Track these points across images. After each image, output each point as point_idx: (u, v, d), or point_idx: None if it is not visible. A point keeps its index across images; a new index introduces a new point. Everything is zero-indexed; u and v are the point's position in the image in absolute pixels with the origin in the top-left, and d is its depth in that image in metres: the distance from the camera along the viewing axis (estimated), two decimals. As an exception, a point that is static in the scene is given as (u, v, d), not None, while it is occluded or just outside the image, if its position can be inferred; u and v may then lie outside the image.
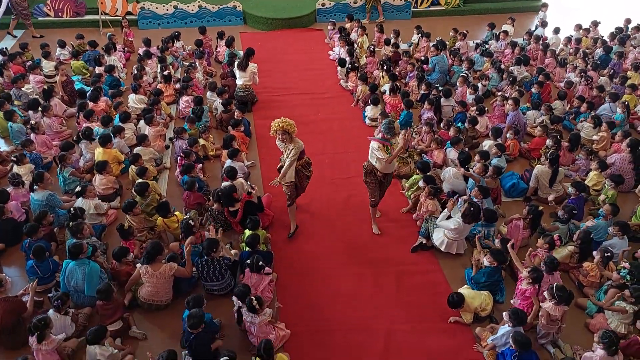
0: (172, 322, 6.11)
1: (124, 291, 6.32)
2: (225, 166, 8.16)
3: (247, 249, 6.56)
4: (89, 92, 10.07)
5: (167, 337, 5.95)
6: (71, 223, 6.59)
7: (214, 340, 5.62)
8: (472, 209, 6.64)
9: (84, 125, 9.02)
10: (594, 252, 6.53)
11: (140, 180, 7.64)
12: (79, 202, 7.31)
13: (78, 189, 7.38)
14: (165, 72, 10.97)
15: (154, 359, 5.28)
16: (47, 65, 11.55)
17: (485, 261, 6.35)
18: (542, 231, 7.11)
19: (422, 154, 9.16)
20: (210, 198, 7.53)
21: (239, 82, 10.49)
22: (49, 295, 6.25)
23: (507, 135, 9.12)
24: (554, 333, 5.79)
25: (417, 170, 8.09)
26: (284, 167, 6.89)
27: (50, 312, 5.73)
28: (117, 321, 5.89)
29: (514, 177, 8.36)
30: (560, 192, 8.02)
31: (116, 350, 5.44)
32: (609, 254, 6.44)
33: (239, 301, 5.80)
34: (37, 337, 5.29)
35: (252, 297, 5.61)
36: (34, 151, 8.50)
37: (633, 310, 5.81)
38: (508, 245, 6.45)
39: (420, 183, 7.65)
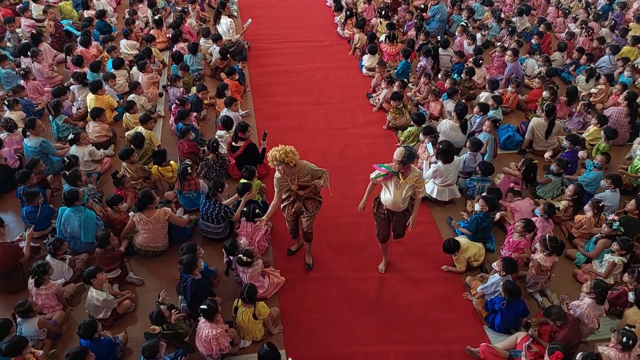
0: (169, 269, 6.20)
1: (120, 239, 6.36)
2: (221, 115, 8.08)
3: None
4: (79, 37, 9.81)
5: (164, 283, 6.04)
6: (67, 172, 6.56)
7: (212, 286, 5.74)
8: (441, 146, 6.80)
9: (76, 70, 8.85)
10: (586, 206, 6.61)
11: (137, 130, 7.58)
12: (73, 149, 7.26)
13: (71, 136, 7.31)
14: (157, 17, 10.67)
15: (165, 298, 5.45)
16: (36, 9, 11.19)
17: (477, 206, 6.44)
18: (535, 184, 7.17)
19: (418, 105, 9.09)
20: (206, 149, 7.49)
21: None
22: (44, 241, 6.30)
23: (509, 88, 9.03)
24: (543, 283, 5.94)
25: (413, 122, 8.05)
26: (320, 182, 5.64)
27: (48, 257, 5.79)
28: (115, 269, 5.98)
29: (509, 130, 8.34)
30: (555, 145, 8.03)
31: (111, 296, 5.54)
32: (602, 204, 6.53)
33: (228, 255, 5.89)
34: (35, 282, 5.39)
35: (240, 254, 5.65)
36: (25, 97, 8.36)
37: (622, 262, 5.94)
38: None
39: (421, 136, 7.61)
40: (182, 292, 5.57)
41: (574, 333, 5.22)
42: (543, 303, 5.88)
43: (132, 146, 7.26)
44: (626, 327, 5.02)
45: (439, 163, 6.87)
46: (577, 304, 5.40)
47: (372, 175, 5.56)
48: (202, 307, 5.02)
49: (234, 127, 7.50)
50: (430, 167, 7.01)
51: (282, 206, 5.86)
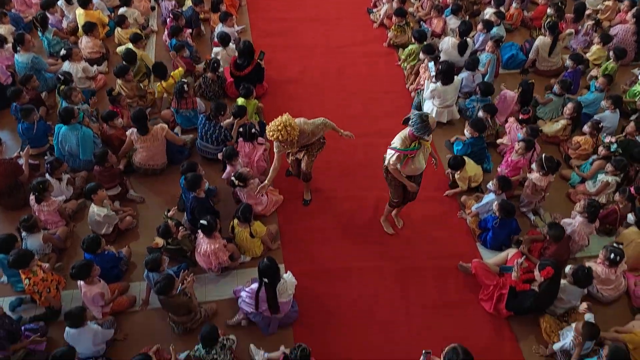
0: (168, 187, 6.28)
1: (118, 157, 6.35)
2: (216, 31, 7.84)
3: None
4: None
5: (164, 201, 6.15)
6: (62, 87, 6.45)
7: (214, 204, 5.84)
8: (441, 67, 6.67)
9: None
10: (585, 125, 6.60)
11: (128, 47, 7.34)
12: (66, 65, 7.07)
13: (63, 52, 7.11)
14: None
15: (176, 212, 5.61)
16: None
17: (467, 133, 6.39)
18: (535, 104, 7.10)
19: (420, 22, 8.79)
20: (207, 68, 7.31)
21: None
22: (45, 158, 6.31)
23: (513, 4, 8.69)
24: (537, 202, 6.04)
25: (414, 40, 7.82)
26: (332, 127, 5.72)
27: (47, 176, 5.82)
28: (115, 187, 6.03)
29: (513, 48, 8.12)
30: (558, 64, 7.88)
31: (112, 212, 5.63)
32: (601, 125, 6.53)
33: (225, 159, 5.94)
34: (36, 199, 5.46)
35: (233, 177, 5.68)
36: (13, 10, 8.04)
37: (615, 181, 6.02)
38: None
39: (421, 55, 7.41)
40: (187, 209, 5.66)
41: (563, 249, 5.39)
42: (535, 222, 6.02)
43: (124, 63, 7.07)
44: (614, 244, 5.19)
45: (438, 84, 6.76)
46: (569, 222, 5.53)
47: (394, 159, 4.93)
48: (201, 222, 5.13)
49: (240, 47, 7.22)
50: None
51: (269, 182, 5.68)
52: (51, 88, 7.18)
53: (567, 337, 4.74)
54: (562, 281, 5.01)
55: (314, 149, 5.74)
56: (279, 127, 5.03)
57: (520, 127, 6.54)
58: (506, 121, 6.84)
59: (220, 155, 6.07)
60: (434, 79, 6.90)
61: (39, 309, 5.11)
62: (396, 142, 4.94)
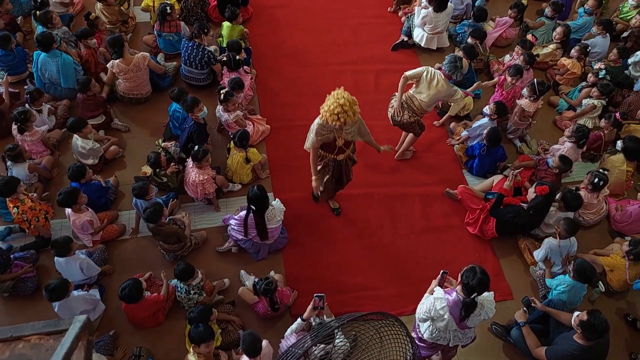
0: (153, 116, 6.17)
1: (101, 85, 6.16)
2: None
3: (226, 46, 6.30)
4: None
5: (149, 130, 6.08)
6: (38, 12, 6.17)
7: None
8: None
9: None
10: (573, 49, 6.54)
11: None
12: (40, -13, 6.72)
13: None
14: None
15: (168, 146, 5.54)
16: None
17: None
18: (526, 28, 6.96)
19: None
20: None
21: None
22: (25, 87, 6.13)
23: None
24: (524, 129, 6.06)
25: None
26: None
27: (27, 106, 5.66)
28: (99, 115, 5.90)
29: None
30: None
31: (97, 145, 5.53)
32: (589, 49, 6.50)
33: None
34: (18, 129, 5.34)
35: (221, 91, 5.58)
36: None
37: (601, 104, 6.02)
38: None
39: None
40: (168, 136, 5.60)
41: (557, 180, 5.48)
42: (521, 148, 6.07)
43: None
44: (600, 170, 5.26)
45: (430, 10, 6.58)
46: (557, 148, 5.58)
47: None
48: (195, 146, 5.14)
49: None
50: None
51: (316, 174, 4.78)
52: (26, 13, 6.87)
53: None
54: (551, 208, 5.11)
55: (349, 170, 5.07)
56: (343, 104, 4.17)
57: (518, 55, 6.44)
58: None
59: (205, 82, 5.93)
60: (426, 5, 6.69)
61: (29, 238, 5.13)
62: (456, 89, 5.20)
